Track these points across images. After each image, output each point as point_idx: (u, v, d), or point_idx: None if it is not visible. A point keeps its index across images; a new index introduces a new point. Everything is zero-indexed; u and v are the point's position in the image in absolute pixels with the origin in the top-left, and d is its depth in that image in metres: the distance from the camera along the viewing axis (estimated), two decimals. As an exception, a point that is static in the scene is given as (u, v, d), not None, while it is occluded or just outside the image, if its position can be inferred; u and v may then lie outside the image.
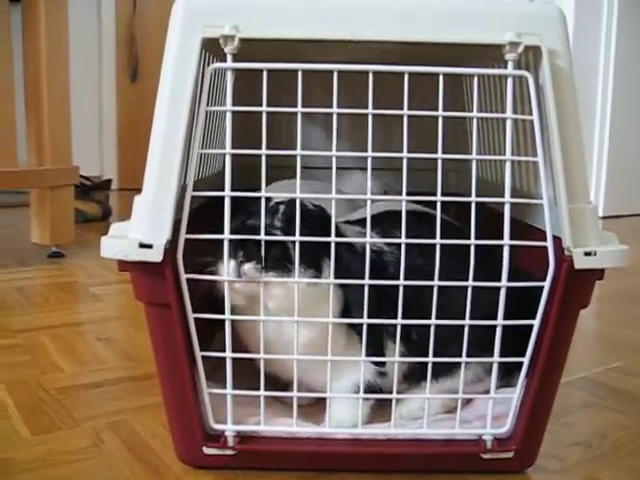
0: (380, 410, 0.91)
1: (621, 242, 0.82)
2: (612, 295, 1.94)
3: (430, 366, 0.83)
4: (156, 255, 0.76)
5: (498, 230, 0.78)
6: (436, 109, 0.77)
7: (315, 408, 0.95)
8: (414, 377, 0.91)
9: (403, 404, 0.94)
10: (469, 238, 0.78)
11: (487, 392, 0.86)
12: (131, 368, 1.25)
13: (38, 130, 2.14)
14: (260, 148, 0.76)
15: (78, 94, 2.92)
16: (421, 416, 0.88)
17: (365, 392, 0.86)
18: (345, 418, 0.89)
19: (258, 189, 0.77)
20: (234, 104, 0.77)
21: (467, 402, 0.94)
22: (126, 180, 4.26)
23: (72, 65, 2.24)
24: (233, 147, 0.77)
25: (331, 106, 0.75)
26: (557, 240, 0.79)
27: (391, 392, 0.84)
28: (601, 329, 1.64)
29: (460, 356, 0.82)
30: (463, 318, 0.80)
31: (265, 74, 0.76)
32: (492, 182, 1.12)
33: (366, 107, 0.76)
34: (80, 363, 1.28)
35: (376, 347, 0.84)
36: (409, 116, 0.76)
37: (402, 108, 0.76)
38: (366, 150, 0.76)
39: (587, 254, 0.77)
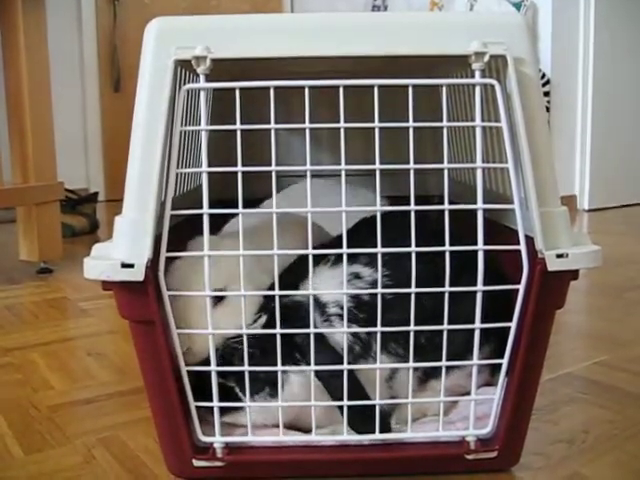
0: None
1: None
2: (602, 287, 1.96)
3: (411, 372, 0.85)
4: (138, 274, 0.77)
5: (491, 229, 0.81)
6: (419, 114, 0.79)
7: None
8: (424, 377, 0.93)
9: (402, 409, 0.95)
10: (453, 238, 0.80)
11: (487, 383, 0.90)
12: (122, 382, 1.27)
13: (22, 147, 2.15)
14: (245, 150, 0.78)
15: (62, 106, 2.93)
16: (418, 418, 0.91)
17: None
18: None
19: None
20: (222, 109, 0.77)
21: (454, 402, 0.96)
22: (113, 191, 4.27)
23: (55, 77, 2.25)
24: (219, 153, 0.78)
25: (310, 115, 0.77)
26: (531, 242, 0.81)
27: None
28: (588, 323, 1.66)
29: (464, 351, 0.85)
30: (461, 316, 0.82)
31: (237, 92, 0.77)
32: (469, 184, 1.14)
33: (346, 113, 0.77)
34: (71, 379, 1.29)
35: None
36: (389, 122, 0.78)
37: (384, 114, 0.78)
38: (346, 157, 0.78)
39: (559, 256, 0.79)
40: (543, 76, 3.62)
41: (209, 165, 0.79)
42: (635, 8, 3.90)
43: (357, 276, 0.90)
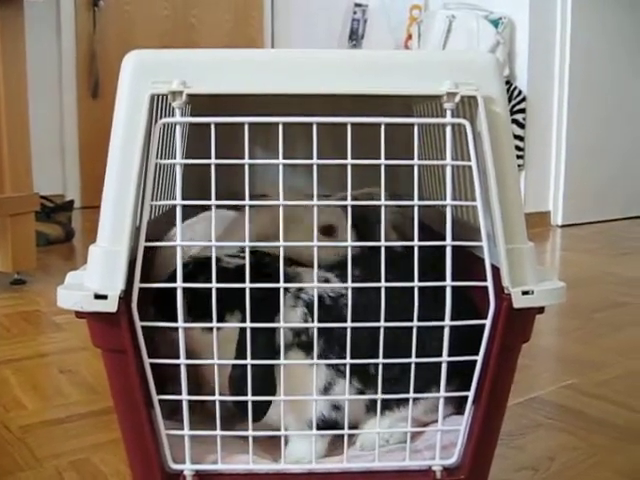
0: (338, 443, 0.94)
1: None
2: (573, 307, 1.99)
3: (379, 403, 0.86)
4: (111, 306, 0.78)
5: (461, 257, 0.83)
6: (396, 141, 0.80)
7: (274, 442, 0.97)
8: (375, 407, 0.94)
9: (365, 434, 0.96)
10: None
11: (456, 412, 0.92)
12: (94, 402, 1.27)
13: (-3, 158, 2.15)
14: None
15: (39, 111, 2.92)
16: (382, 445, 0.92)
17: (321, 427, 0.89)
18: (303, 454, 0.91)
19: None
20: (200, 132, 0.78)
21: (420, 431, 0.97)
22: (89, 198, 4.25)
23: (32, 82, 2.24)
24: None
25: (290, 135, 0.79)
26: (499, 275, 0.82)
27: (348, 424, 0.87)
28: (558, 346, 1.68)
29: (421, 385, 0.86)
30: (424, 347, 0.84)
31: (213, 127, 0.78)
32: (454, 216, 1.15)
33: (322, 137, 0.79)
34: (43, 398, 1.29)
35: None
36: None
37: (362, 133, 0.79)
38: (325, 181, 0.80)
39: (525, 293, 0.81)
40: (520, 93, 3.66)
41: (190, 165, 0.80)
42: (611, 24, 3.96)
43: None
